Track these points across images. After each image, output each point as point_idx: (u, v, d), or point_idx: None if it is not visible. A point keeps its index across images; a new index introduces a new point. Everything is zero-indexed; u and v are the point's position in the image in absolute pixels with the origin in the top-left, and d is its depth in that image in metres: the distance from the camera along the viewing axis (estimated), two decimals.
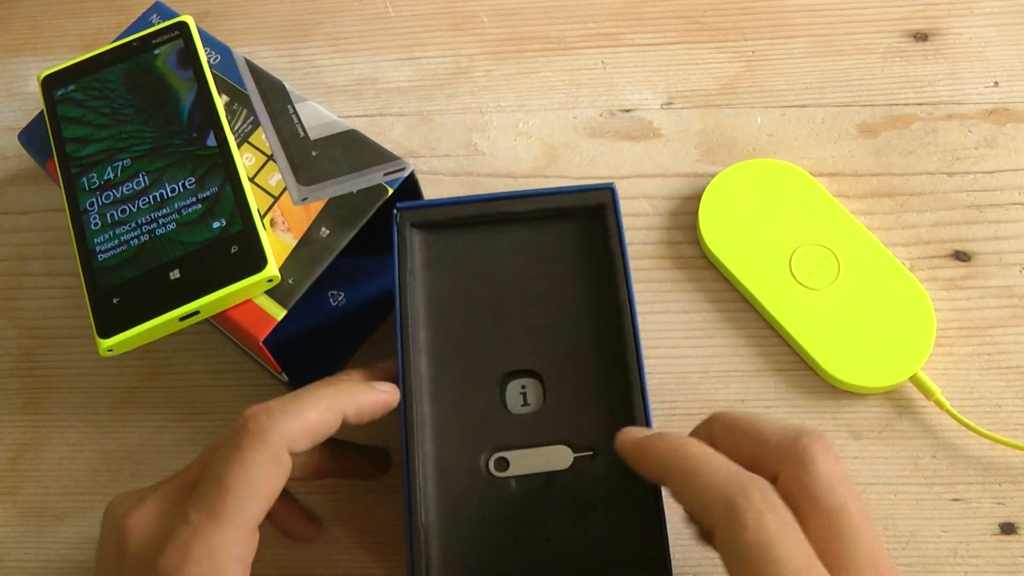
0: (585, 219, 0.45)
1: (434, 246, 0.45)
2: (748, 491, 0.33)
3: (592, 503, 0.39)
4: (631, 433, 0.38)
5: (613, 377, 0.42)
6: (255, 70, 0.49)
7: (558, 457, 0.40)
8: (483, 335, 0.43)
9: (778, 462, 0.34)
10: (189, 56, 0.49)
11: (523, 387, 0.43)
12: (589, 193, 0.45)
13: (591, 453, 0.41)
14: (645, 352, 0.49)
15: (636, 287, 0.47)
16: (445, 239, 0.45)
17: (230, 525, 0.35)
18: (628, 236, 0.52)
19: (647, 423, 0.41)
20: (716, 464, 0.34)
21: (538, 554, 0.39)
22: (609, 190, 0.45)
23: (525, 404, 0.42)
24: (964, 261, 0.52)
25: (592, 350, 0.43)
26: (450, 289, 0.44)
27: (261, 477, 0.35)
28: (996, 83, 0.56)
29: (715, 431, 0.37)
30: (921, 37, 0.58)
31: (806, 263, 0.51)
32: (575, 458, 0.40)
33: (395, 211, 0.45)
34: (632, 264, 0.51)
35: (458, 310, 0.44)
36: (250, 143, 0.47)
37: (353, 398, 0.39)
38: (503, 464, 0.40)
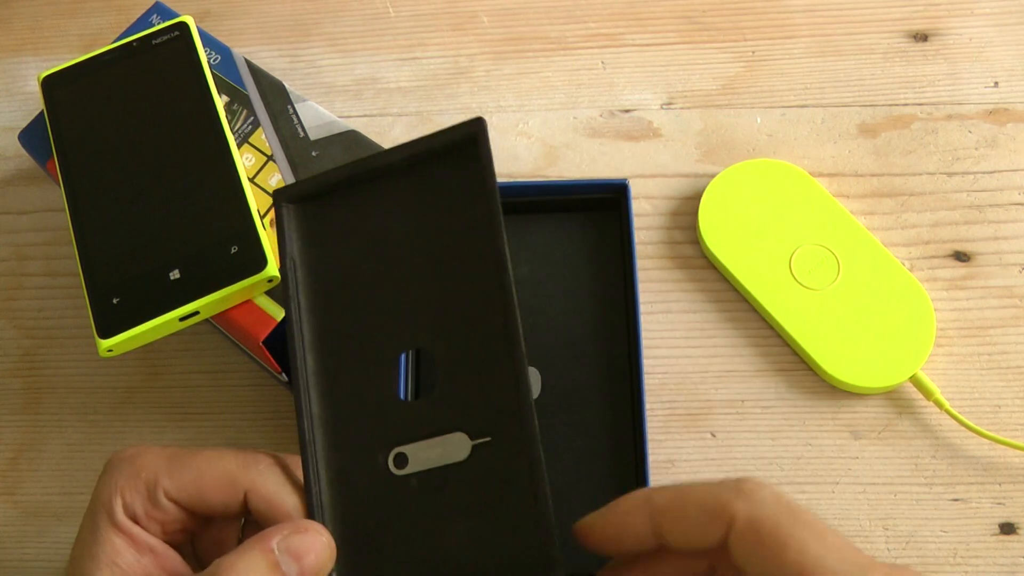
0: (461, 158, 0.38)
1: (312, 222, 0.39)
2: (742, 481, 0.32)
3: (492, 496, 0.35)
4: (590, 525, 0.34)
5: (505, 345, 0.35)
6: (255, 70, 0.49)
7: (455, 447, 0.35)
8: (372, 314, 0.38)
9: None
10: (189, 56, 0.49)
11: (416, 370, 0.39)
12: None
13: (488, 440, 0.35)
14: (645, 352, 0.49)
15: (637, 287, 0.47)
16: (327, 211, 0.39)
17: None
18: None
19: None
20: (696, 485, 0.33)
21: (440, 559, 0.35)
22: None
23: (419, 389, 0.39)
24: (964, 261, 0.52)
25: (479, 320, 0.36)
26: (333, 267, 0.38)
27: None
28: (996, 83, 0.56)
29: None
30: (921, 37, 0.58)
31: (806, 263, 0.51)
32: (472, 447, 0.35)
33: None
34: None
35: (343, 291, 0.38)
36: (250, 143, 0.47)
37: (258, 473, 0.36)
38: (402, 460, 0.36)
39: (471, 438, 0.35)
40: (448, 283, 0.37)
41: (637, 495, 0.33)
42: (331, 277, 0.38)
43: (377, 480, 0.36)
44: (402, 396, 0.37)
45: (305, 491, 0.35)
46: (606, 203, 0.46)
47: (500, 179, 0.55)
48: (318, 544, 0.34)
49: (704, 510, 0.32)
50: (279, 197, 0.39)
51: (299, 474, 0.37)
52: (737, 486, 0.32)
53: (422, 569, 0.35)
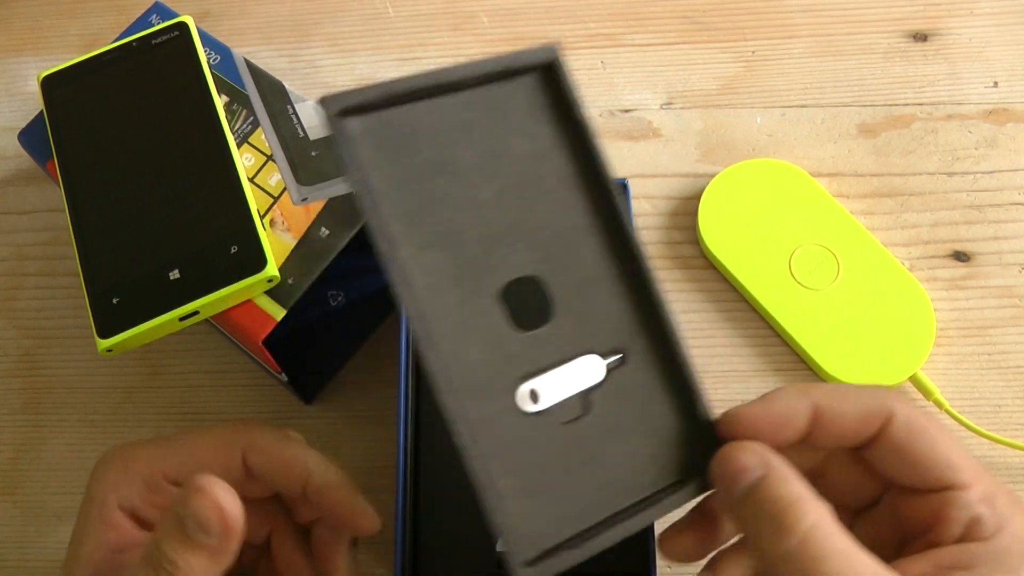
0: (536, 82, 0.37)
1: (377, 137, 0.35)
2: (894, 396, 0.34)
3: (640, 412, 0.34)
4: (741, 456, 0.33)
5: (617, 263, 0.35)
6: (255, 70, 0.49)
7: (589, 370, 0.34)
8: (464, 243, 0.35)
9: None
10: (189, 56, 0.49)
11: (527, 297, 0.37)
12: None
13: (620, 357, 0.35)
14: None
15: None
16: (389, 126, 0.36)
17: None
18: None
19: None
20: (850, 385, 0.36)
21: (605, 487, 0.34)
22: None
23: (534, 317, 0.36)
24: (964, 261, 0.52)
25: (587, 237, 0.35)
26: (411, 191, 0.35)
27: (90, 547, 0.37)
28: (996, 83, 0.56)
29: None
30: (921, 37, 0.58)
31: (806, 263, 0.51)
32: (607, 366, 0.34)
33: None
34: None
35: (428, 217, 0.35)
36: (250, 143, 0.47)
37: (250, 435, 0.37)
38: (534, 396, 0.34)
39: (603, 358, 0.34)
40: (535, 207, 0.35)
41: (792, 390, 0.34)
42: (409, 202, 0.34)
43: (518, 422, 0.33)
44: (518, 329, 0.34)
45: (460, 451, 0.32)
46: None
47: None
48: None
49: (864, 408, 0.34)
50: (332, 107, 0.34)
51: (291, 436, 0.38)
52: (889, 391, 0.35)
53: (591, 502, 0.33)
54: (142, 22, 0.51)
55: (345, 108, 0.34)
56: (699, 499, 0.35)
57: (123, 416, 0.51)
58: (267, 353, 0.43)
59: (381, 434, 0.50)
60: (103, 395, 0.52)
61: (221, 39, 0.51)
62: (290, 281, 0.43)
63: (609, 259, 0.35)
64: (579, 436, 0.34)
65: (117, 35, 0.51)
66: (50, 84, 0.49)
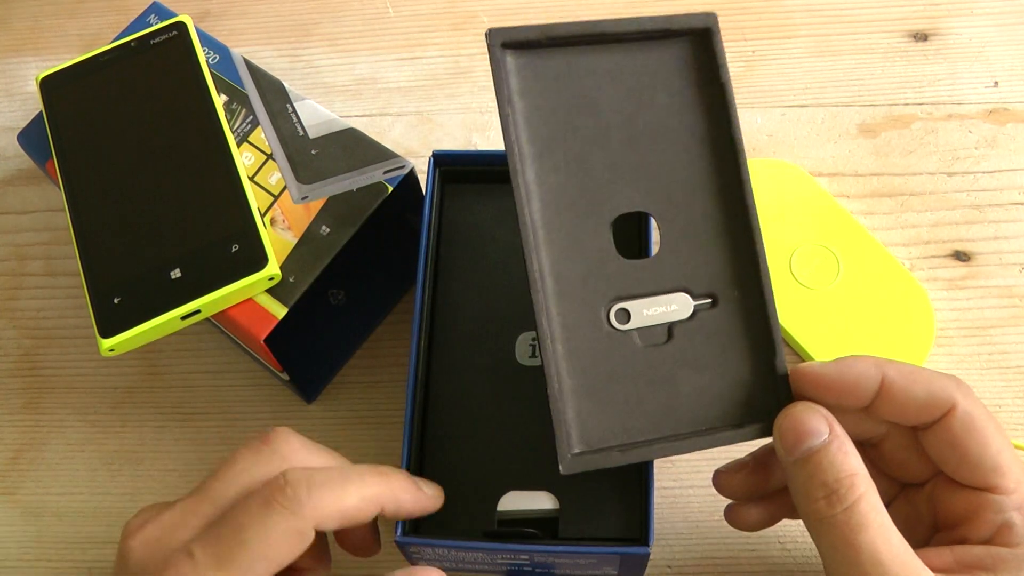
0: (689, 44, 0.40)
1: (529, 70, 0.40)
2: (958, 378, 0.36)
3: (718, 353, 0.37)
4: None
5: (726, 217, 0.38)
6: (254, 69, 0.49)
7: (678, 306, 0.38)
8: (589, 173, 0.39)
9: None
10: (187, 56, 0.49)
11: (636, 230, 0.42)
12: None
13: (710, 301, 0.38)
14: None
15: None
16: (541, 62, 0.40)
17: None
18: None
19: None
20: (922, 368, 0.36)
21: (668, 410, 0.37)
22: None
23: (639, 249, 0.41)
24: (964, 261, 0.52)
25: (704, 189, 0.39)
26: (550, 121, 0.39)
27: (280, 546, 0.34)
28: (996, 83, 0.56)
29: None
30: (921, 37, 0.58)
31: (806, 263, 0.51)
32: (695, 307, 0.38)
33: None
34: None
35: (561, 146, 0.39)
36: (249, 142, 0.47)
37: (396, 494, 0.37)
38: (624, 316, 0.37)
39: (693, 298, 0.38)
40: (662, 154, 0.39)
41: (868, 361, 0.36)
42: (547, 131, 0.39)
43: (601, 334, 0.37)
44: (621, 256, 0.38)
45: (539, 343, 0.36)
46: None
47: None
48: None
49: (931, 394, 0.35)
50: (496, 38, 0.39)
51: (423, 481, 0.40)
52: (957, 381, 0.36)
53: (650, 419, 0.37)
54: (140, 22, 0.51)
55: (506, 41, 0.39)
56: (755, 443, 0.37)
57: (123, 416, 0.51)
58: (268, 352, 0.43)
59: (382, 434, 0.50)
60: (103, 395, 0.52)
61: (221, 39, 0.51)
62: (291, 279, 0.43)
63: (721, 213, 0.38)
64: (655, 361, 0.37)
65: (116, 35, 0.51)
66: (49, 85, 0.49)
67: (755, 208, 0.38)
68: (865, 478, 0.34)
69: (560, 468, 0.36)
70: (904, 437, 0.38)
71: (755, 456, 0.40)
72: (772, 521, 0.40)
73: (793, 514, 0.40)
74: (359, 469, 0.37)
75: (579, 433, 0.36)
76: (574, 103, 0.39)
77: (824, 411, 0.35)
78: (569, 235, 0.38)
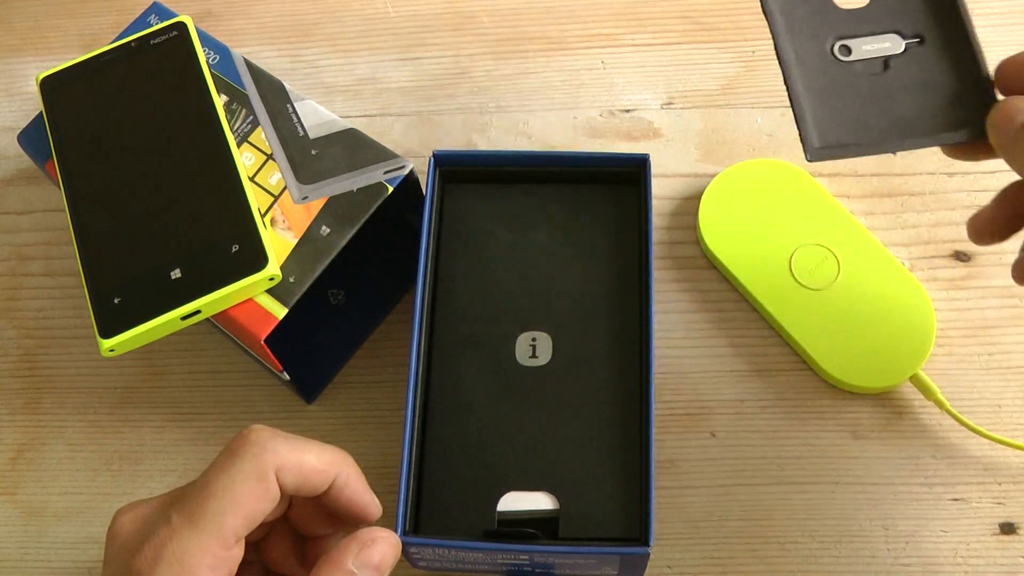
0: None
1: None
2: None
3: (929, 79, 0.42)
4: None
5: None
6: (254, 70, 0.49)
7: (891, 43, 0.43)
8: None
9: None
10: (188, 56, 0.49)
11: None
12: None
13: (919, 39, 0.43)
14: None
15: (651, 260, 0.47)
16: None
17: (204, 532, 0.34)
18: None
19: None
20: None
21: (892, 120, 0.42)
22: (644, 160, 0.46)
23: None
24: (964, 261, 0.52)
25: None
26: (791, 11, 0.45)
27: (245, 491, 0.35)
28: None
29: None
30: None
31: (806, 263, 0.51)
32: (906, 44, 0.43)
33: (431, 159, 0.46)
34: None
35: None
36: (250, 142, 0.47)
37: (349, 470, 0.39)
38: (846, 50, 0.43)
39: (903, 38, 0.43)
40: None
41: None
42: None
43: (827, 63, 0.43)
44: (841, 6, 0.44)
45: (780, 64, 0.42)
46: (626, 177, 0.47)
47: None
48: (387, 547, 0.37)
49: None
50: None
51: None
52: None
53: (877, 127, 0.42)
54: (140, 22, 0.51)
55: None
56: (975, 148, 0.42)
57: (123, 416, 0.51)
58: (269, 352, 0.43)
59: (382, 434, 0.50)
60: (103, 395, 0.52)
61: (222, 39, 0.51)
62: (291, 279, 0.43)
63: None
64: (876, 84, 0.43)
65: (116, 35, 0.51)
66: (49, 85, 0.49)
67: None
68: None
69: (807, 157, 0.41)
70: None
71: (1001, 196, 0.44)
72: (1012, 230, 0.44)
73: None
74: (319, 442, 0.39)
75: (817, 131, 0.42)
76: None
77: None
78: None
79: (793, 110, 0.43)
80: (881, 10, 0.44)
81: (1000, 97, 0.41)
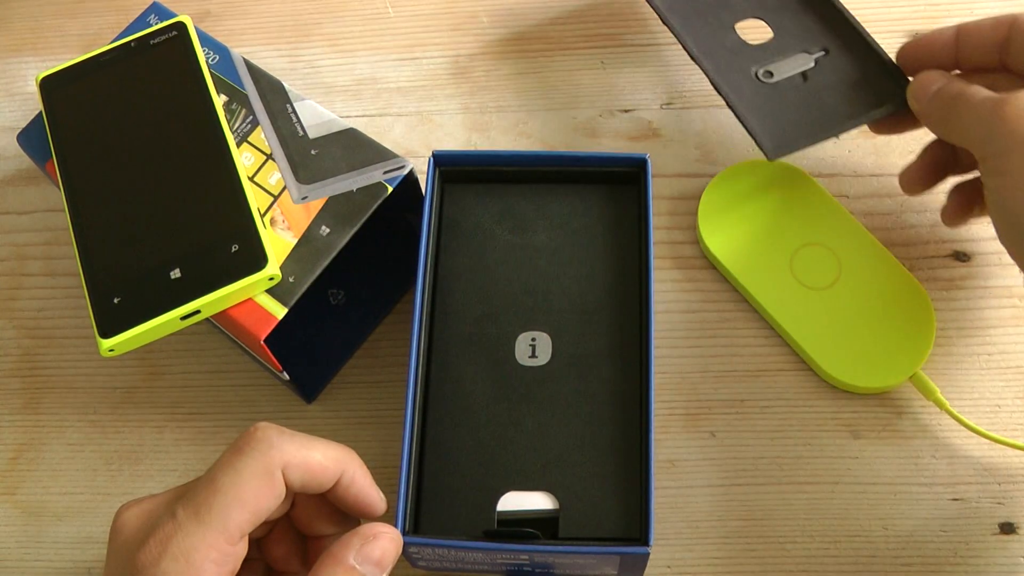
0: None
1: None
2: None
3: (842, 77, 0.51)
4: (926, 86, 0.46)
5: (810, 11, 0.54)
6: (253, 70, 0.49)
7: (803, 61, 0.52)
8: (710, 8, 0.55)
9: None
10: (187, 56, 0.49)
11: (752, 29, 0.54)
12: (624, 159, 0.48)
13: (824, 51, 0.52)
14: None
15: (651, 259, 0.47)
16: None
17: (210, 527, 0.34)
18: None
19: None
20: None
21: (826, 114, 0.50)
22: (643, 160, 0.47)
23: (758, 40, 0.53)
24: (964, 261, 0.52)
25: (795, 5, 0.54)
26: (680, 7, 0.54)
27: (251, 488, 0.35)
28: None
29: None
30: None
31: (806, 263, 0.51)
32: (815, 58, 0.52)
33: (431, 159, 0.47)
34: None
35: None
36: (249, 142, 0.47)
37: (355, 467, 0.39)
38: (768, 74, 0.52)
39: (811, 54, 0.52)
40: None
41: (945, 28, 0.48)
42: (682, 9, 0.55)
43: (757, 87, 0.51)
44: (749, 45, 0.53)
45: (724, 98, 0.51)
46: (626, 177, 0.47)
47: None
48: (388, 542, 0.37)
49: (992, 19, 0.46)
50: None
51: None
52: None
53: (816, 122, 0.50)
54: (140, 22, 0.51)
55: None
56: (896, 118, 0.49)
57: (123, 416, 0.51)
58: (268, 352, 0.43)
59: (382, 434, 0.50)
60: (103, 395, 0.52)
61: (221, 39, 0.51)
62: (291, 279, 0.43)
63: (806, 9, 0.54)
64: (803, 93, 0.51)
65: (116, 35, 0.51)
66: (48, 85, 0.49)
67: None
68: (970, 86, 0.44)
69: (768, 158, 0.49)
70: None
71: (922, 155, 0.50)
72: (934, 180, 0.50)
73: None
74: (326, 440, 0.39)
75: (769, 138, 0.49)
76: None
77: (937, 72, 0.46)
78: (710, 37, 0.53)
79: (745, 127, 0.50)
80: (786, 38, 0.53)
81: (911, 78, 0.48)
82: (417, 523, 0.42)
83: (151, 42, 0.50)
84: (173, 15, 0.51)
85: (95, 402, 0.52)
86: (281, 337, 0.44)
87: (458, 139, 0.57)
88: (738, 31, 0.54)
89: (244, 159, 0.47)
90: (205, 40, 0.50)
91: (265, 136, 0.47)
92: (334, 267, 0.44)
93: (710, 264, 0.52)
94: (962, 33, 0.47)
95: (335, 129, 0.47)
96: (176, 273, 0.43)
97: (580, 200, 0.48)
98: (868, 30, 0.52)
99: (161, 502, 0.37)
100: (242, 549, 0.35)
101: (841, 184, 0.54)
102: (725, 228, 0.52)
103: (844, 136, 0.55)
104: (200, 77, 0.48)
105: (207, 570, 0.34)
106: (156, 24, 0.51)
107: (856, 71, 0.51)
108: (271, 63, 0.60)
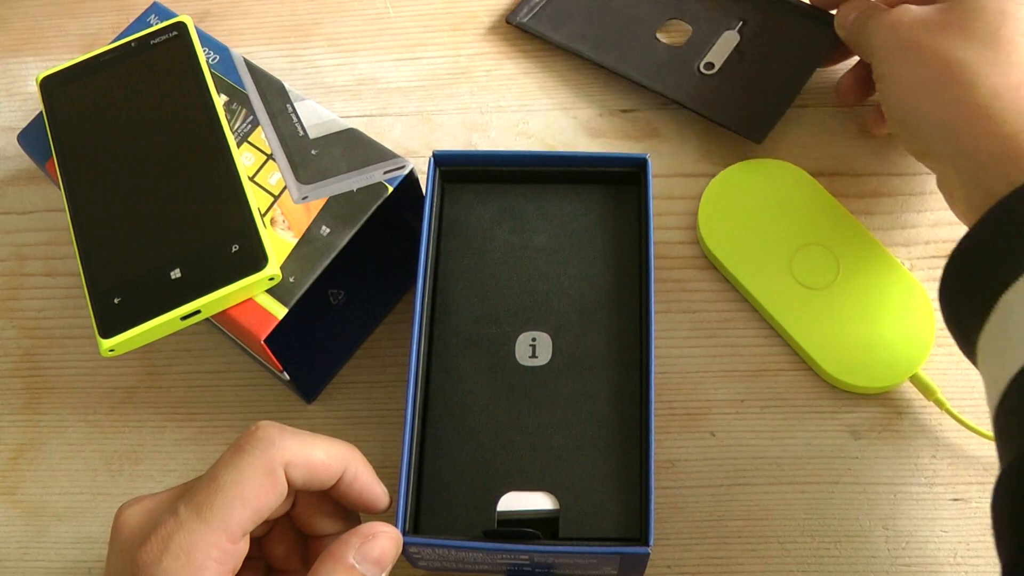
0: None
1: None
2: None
3: (771, 41, 0.56)
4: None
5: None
6: (254, 70, 0.49)
7: (731, 38, 0.56)
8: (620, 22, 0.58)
9: None
10: (187, 56, 0.49)
11: (674, 26, 0.57)
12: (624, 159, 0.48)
13: (743, 22, 0.56)
14: None
15: (651, 260, 0.47)
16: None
17: (211, 525, 0.34)
18: None
19: None
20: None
21: (775, 78, 0.55)
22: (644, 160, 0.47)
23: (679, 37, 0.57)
24: None
25: None
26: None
27: (253, 486, 0.35)
28: None
29: None
30: None
31: (806, 263, 0.51)
32: (738, 31, 0.56)
33: (431, 159, 0.47)
34: None
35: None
36: (249, 142, 0.47)
37: (358, 464, 0.39)
38: (710, 66, 0.55)
39: (733, 29, 0.56)
40: None
41: None
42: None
43: (704, 81, 0.55)
44: (670, 44, 0.56)
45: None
46: (626, 177, 0.47)
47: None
48: (388, 541, 0.37)
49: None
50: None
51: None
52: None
53: (768, 90, 0.54)
54: (140, 22, 0.51)
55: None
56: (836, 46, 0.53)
57: (123, 416, 0.51)
58: (268, 352, 0.43)
59: (382, 434, 0.50)
60: (103, 395, 0.52)
61: (221, 39, 0.51)
62: (291, 279, 0.43)
63: None
64: (746, 68, 0.55)
65: (116, 35, 0.51)
66: (49, 85, 0.49)
67: None
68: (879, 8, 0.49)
69: (754, 140, 0.52)
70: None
71: (850, 69, 0.54)
72: (866, 93, 0.54)
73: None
74: (328, 437, 0.39)
75: (743, 123, 0.54)
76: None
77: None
78: (636, 52, 0.57)
79: (718, 123, 0.53)
80: (705, 27, 0.56)
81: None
82: (417, 523, 0.42)
83: (151, 42, 0.50)
84: (173, 15, 0.51)
85: (95, 402, 0.52)
86: (281, 337, 0.44)
87: (458, 139, 0.57)
88: (660, 39, 0.57)
89: (244, 159, 0.47)
90: (205, 40, 0.50)
91: (265, 136, 0.47)
92: (334, 267, 0.44)
93: (710, 264, 0.52)
94: None
95: (335, 129, 0.47)
96: (176, 273, 0.43)
97: (580, 200, 0.48)
98: None
99: (162, 500, 0.37)
100: (243, 547, 0.36)
101: (841, 184, 0.54)
102: (725, 228, 0.52)
103: (844, 135, 0.55)
104: (200, 77, 0.48)
105: (208, 568, 0.34)
106: (156, 24, 0.51)
107: (779, 27, 0.55)
108: (271, 63, 0.60)
